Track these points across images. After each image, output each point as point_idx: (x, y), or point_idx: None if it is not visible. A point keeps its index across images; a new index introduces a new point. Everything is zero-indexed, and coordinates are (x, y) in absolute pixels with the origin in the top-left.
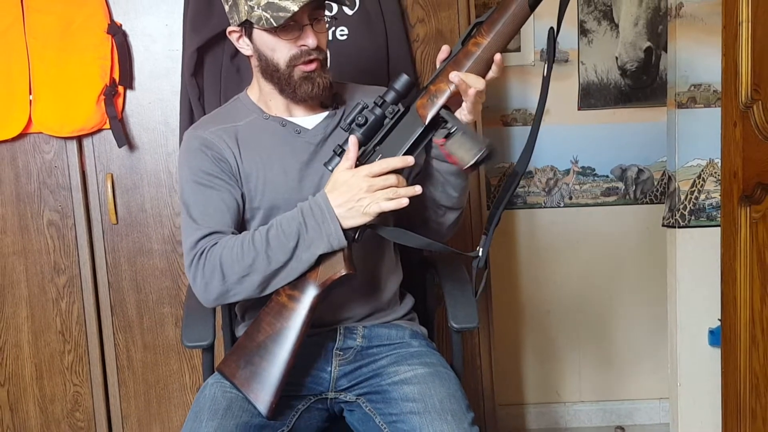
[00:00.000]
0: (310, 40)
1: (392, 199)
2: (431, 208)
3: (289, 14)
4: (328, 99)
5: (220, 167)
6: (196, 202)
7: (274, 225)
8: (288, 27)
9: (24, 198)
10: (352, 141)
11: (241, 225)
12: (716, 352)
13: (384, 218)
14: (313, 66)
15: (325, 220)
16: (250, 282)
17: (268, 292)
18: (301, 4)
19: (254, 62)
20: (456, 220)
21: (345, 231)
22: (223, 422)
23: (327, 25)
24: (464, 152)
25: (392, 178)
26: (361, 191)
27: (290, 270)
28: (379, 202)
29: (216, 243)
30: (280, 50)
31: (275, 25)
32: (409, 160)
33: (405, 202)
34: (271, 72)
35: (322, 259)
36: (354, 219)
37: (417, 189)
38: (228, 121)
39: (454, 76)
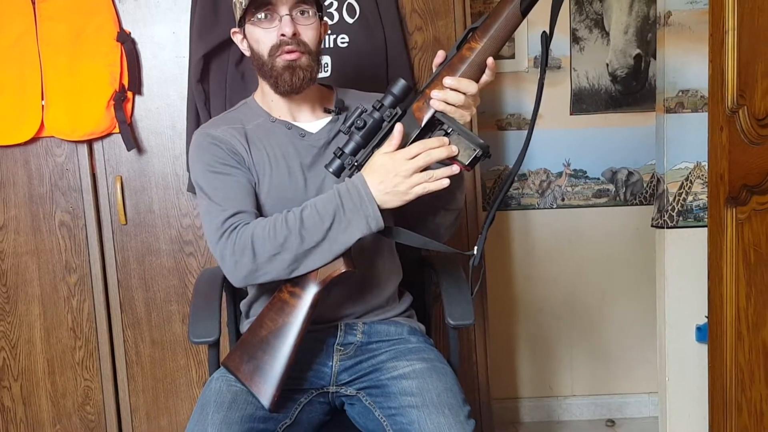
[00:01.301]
0: (287, 29)
1: (430, 181)
2: (430, 209)
3: None
4: (330, 103)
5: (234, 158)
6: (216, 188)
7: (309, 205)
8: (270, 18)
9: (36, 199)
10: (398, 129)
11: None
12: (703, 348)
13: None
14: (293, 55)
15: (363, 201)
16: (281, 261)
17: (298, 273)
18: None
19: (253, 62)
20: (454, 221)
21: (383, 213)
22: (229, 414)
23: (329, 33)
24: (462, 152)
25: (423, 158)
26: (399, 175)
27: (323, 251)
28: (417, 186)
29: (248, 222)
30: (263, 41)
31: (244, 6)
32: (445, 139)
33: (445, 183)
34: (260, 65)
35: None
36: (392, 201)
37: (454, 169)
38: (236, 123)
39: (447, 81)
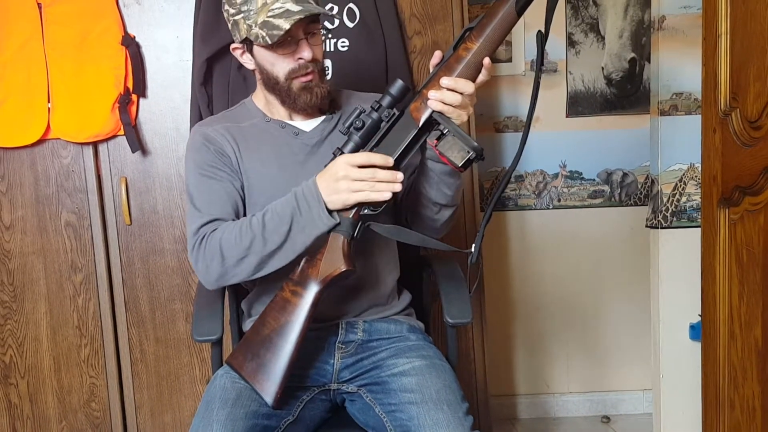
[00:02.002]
0: (306, 53)
1: (371, 191)
2: (427, 205)
3: (282, 32)
4: (326, 104)
5: (222, 160)
6: (199, 192)
7: (270, 209)
8: (284, 42)
9: (43, 200)
10: (366, 155)
11: (241, 215)
12: (697, 346)
13: (383, 216)
14: (310, 77)
15: (314, 202)
16: (248, 263)
17: (264, 273)
18: (293, 21)
19: (258, 75)
20: (450, 218)
21: (335, 212)
22: (233, 410)
23: (330, 37)
24: (455, 153)
25: (368, 173)
26: (338, 177)
27: (287, 251)
28: (358, 193)
29: (216, 228)
30: (279, 65)
31: (270, 42)
32: (390, 161)
33: (386, 195)
34: (272, 85)
35: (323, 255)
36: (335, 202)
37: (396, 187)
38: (232, 121)
39: (444, 82)
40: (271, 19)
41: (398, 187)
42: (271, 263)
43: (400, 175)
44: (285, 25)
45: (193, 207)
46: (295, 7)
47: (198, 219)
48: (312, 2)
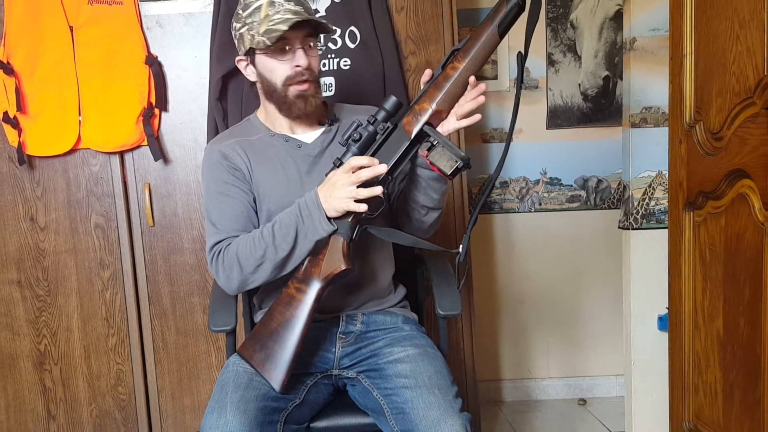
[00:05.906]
0: (302, 61)
1: (353, 200)
2: (415, 208)
3: (280, 32)
4: (324, 117)
5: (235, 175)
6: (215, 209)
7: (278, 220)
8: (283, 50)
9: (74, 204)
10: (355, 159)
11: (256, 227)
12: (664, 336)
13: (379, 219)
14: (305, 86)
15: (315, 210)
16: (264, 269)
17: (284, 273)
18: (290, 24)
19: (259, 86)
20: (437, 219)
21: (335, 219)
22: (246, 393)
23: (333, 57)
24: (445, 162)
25: (356, 175)
26: (332, 187)
27: (297, 255)
28: (345, 200)
29: (230, 243)
30: (277, 71)
31: (270, 44)
32: (375, 161)
33: (363, 207)
34: (271, 92)
35: (324, 255)
36: (330, 210)
37: (376, 190)
38: (241, 136)
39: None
40: (271, 26)
41: (379, 190)
42: (285, 266)
43: (380, 168)
44: (283, 27)
45: (211, 224)
46: (293, 16)
47: (215, 235)
48: (309, 13)
